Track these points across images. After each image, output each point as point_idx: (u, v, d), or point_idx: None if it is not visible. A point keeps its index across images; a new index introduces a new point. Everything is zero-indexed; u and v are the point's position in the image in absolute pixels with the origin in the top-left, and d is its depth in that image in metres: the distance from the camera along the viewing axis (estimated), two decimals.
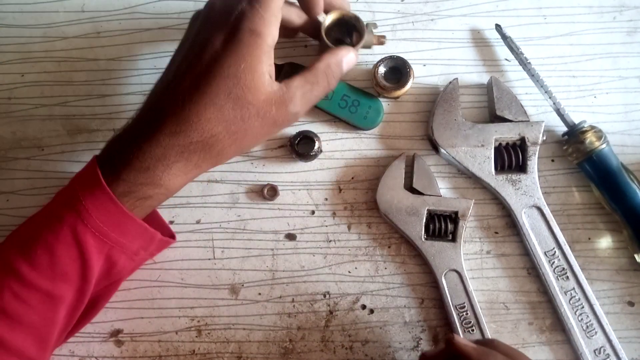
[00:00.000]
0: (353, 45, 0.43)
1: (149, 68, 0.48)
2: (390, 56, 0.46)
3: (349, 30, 0.44)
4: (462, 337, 0.35)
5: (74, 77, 0.48)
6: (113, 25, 0.49)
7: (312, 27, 0.42)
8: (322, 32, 0.42)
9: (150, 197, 0.36)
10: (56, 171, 0.46)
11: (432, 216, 0.44)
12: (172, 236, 0.43)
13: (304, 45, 0.48)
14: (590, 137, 0.43)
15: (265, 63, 0.35)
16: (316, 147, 0.45)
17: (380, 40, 0.45)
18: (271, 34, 0.35)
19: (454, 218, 0.44)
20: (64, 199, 0.36)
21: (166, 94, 0.35)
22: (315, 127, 0.46)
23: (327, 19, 0.42)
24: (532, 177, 0.44)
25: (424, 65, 0.48)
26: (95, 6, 0.49)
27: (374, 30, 0.45)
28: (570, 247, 0.43)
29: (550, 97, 0.44)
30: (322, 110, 0.46)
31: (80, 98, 0.47)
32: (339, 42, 0.45)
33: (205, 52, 0.34)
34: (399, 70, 0.46)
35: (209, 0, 0.37)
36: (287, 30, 0.41)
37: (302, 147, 0.45)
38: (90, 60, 0.48)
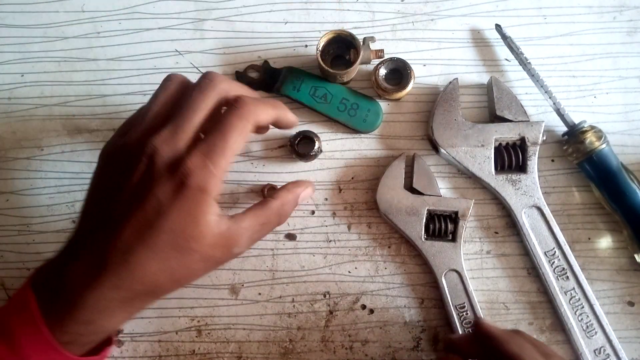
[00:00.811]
0: (351, 63, 0.44)
1: (149, 68, 0.48)
2: (391, 58, 0.46)
3: (348, 47, 0.44)
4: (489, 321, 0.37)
5: (74, 77, 0.48)
6: (113, 25, 0.49)
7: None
8: (317, 56, 0.42)
9: (94, 340, 0.36)
10: (56, 171, 0.46)
11: (432, 216, 0.44)
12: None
13: (305, 45, 0.48)
14: (590, 137, 0.43)
15: (210, 212, 0.34)
16: (316, 147, 0.45)
17: (378, 55, 0.45)
18: (218, 188, 0.34)
19: (454, 218, 0.44)
20: (4, 345, 0.34)
21: (105, 239, 0.33)
22: (315, 128, 0.46)
23: (321, 41, 0.42)
24: (532, 177, 0.44)
25: (424, 65, 0.48)
26: (95, 6, 0.49)
27: (371, 45, 0.45)
28: (570, 247, 0.43)
29: (550, 97, 0.44)
30: (321, 114, 0.46)
31: (80, 98, 0.48)
32: (338, 58, 0.46)
33: (148, 203, 0.33)
34: (399, 72, 0.46)
35: (150, 142, 0.33)
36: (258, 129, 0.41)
37: (302, 147, 0.45)
38: (90, 60, 0.48)
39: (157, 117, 0.35)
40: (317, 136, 0.45)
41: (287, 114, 0.39)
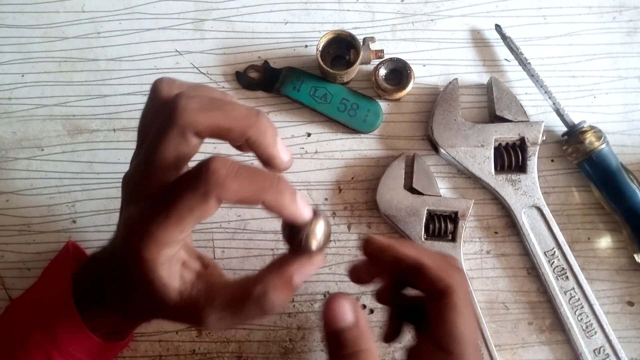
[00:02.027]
0: (351, 63, 0.43)
1: (149, 68, 0.48)
2: (391, 58, 0.46)
3: (348, 47, 0.44)
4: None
5: (74, 77, 0.48)
6: (113, 25, 0.49)
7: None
8: (317, 56, 0.42)
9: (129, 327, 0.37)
10: (56, 171, 0.46)
11: (432, 216, 0.44)
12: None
13: (305, 45, 0.48)
14: (589, 137, 0.43)
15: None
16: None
17: (378, 55, 0.45)
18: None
19: (453, 218, 0.44)
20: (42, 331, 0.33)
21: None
22: (315, 128, 0.46)
23: (321, 41, 0.42)
24: (532, 177, 0.44)
25: (424, 66, 0.48)
26: (95, 6, 0.49)
27: (371, 45, 0.45)
28: (569, 247, 0.43)
29: (550, 97, 0.45)
30: (321, 114, 0.46)
31: (80, 98, 0.48)
32: (338, 58, 0.46)
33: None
34: (399, 72, 0.46)
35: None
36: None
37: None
38: (90, 61, 0.48)
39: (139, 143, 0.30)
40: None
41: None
